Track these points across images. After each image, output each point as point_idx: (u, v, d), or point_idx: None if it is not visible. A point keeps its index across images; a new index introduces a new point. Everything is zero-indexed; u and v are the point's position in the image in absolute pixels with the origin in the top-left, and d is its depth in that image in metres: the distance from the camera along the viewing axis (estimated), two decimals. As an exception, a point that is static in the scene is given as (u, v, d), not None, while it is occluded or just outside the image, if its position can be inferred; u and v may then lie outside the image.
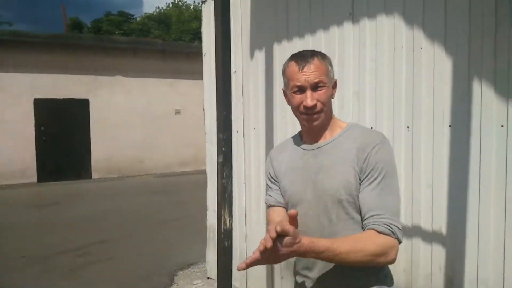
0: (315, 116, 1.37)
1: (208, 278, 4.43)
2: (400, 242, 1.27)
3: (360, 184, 1.32)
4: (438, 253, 2.23)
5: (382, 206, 1.27)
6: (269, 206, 1.56)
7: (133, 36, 19.37)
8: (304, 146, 1.48)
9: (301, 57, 1.37)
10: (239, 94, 3.85)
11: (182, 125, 13.97)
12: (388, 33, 2.53)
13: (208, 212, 4.46)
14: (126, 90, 13.12)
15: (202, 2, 4.41)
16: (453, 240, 2.16)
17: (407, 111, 2.43)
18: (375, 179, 1.30)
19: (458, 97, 2.16)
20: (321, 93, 1.35)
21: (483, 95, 2.03)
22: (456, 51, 2.16)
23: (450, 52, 2.19)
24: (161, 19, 24.49)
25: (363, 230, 1.31)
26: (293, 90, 1.38)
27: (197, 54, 14.59)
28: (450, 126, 2.21)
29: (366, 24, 2.66)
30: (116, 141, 12.88)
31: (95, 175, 12.75)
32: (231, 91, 2.61)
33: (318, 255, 1.17)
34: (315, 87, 1.35)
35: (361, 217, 1.33)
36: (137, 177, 12.92)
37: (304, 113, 1.38)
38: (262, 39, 3.56)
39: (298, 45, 3.18)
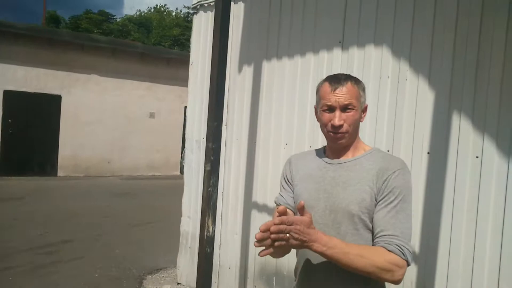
0: (339, 135, 1.44)
1: (178, 283, 4.43)
2: (409, 264, 1.33)
3: (376, 205, 1.39)
4: (410, 269, 2.37)
5: (396, 228, 1.34)
6: (277, 205, 1.60)
7: (112, 37, 19.17)
8: (326, 159, 1.54)
9: (335, 79, 1.46)
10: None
11: (155, 129, 13.88)
12: (375, 62, 2.70)
13: (182, 218, 4.48)
14: (100, 89, 12.94)
15: (194, 13, 4.50)
16: (425, 259, 2.31)
17: (388, 135, 2.59)
18: (392, 201, 1.37)
19: (438, 127, 2.33)
20: (349, 115, 1.43)
21: (461, 127, 2.21)
22: (438, 85, 2.34)
23: (433, 86, 2.37)
24: (142, 22, 24.37)
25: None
26: (323, 108, 1.46)
27: (177, 61, 14.55)
28: (428, 153, 2.37)
29: (355, 52, 2.82)
30: (86, 139, 12.65)
31: (60, 172, 12.44)
32: (223, 103, 2.70)
33: (328, 249, 1.24)
34: (344, 108, 1.42)
35: (372, 235, 1.40)
36: (104, 177, 12.69)
37: (331, 132, 1.45)
38: (251, 56, 3.68)
39: (288, 65, 3.32)
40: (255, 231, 3.56)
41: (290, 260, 3.13)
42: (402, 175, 1.40)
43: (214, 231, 2.62)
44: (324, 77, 2.94)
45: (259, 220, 3.53)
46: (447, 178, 2.24)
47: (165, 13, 26.53)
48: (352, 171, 1.46)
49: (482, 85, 2.13)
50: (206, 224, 2.59)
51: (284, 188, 1.62)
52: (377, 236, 1.37)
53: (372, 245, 1.39)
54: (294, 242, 1.21)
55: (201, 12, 4.37)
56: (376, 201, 1.39)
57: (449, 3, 2.31)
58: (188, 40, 21.80)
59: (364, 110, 1.51)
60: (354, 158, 1.49)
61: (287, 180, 1.61)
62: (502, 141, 2.05)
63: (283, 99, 3.37)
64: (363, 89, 1.49)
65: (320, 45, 3.06)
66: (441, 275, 2.23)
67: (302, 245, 1.23)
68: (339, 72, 2.96)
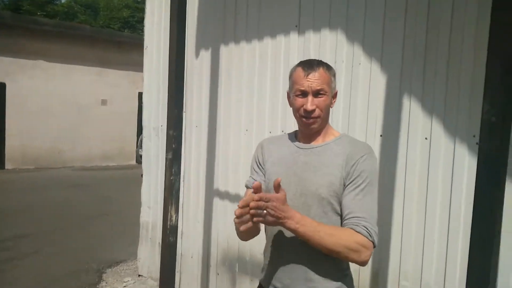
0: (311, 120, 1.48)
1: (139, 275, 4.40)
2: (375, 246, 1.39)
3: (344, 188, 1.44)
4: (366, 248, 2.50)
5: (363, 210, 1.40)
6: (248, 188, 1.62)
7: (58, 19, 18.21)
8: (297, 144, 1.58)
9: (308, 65, 1.48)
10: (182, 91, 3.89)
11: (108, 117, 13.45)
12: (330, 47, 2.76)
13: (142, 209, 4.43)
14: (48, 76, 12.33)
15: (146, -5, 4.37)
16: (380, 238, 2.42)
17: (344, 119, 2.68)
18: (359, 185, 1.42)
19: (390, 110, 2.44)
20: (321, 100, 1.46)
21: (412, 110, 2.32)
22: (390, 69, 2.43)
23: (385, 69, 2.46)
24: (88, 4, 23.27)
25: None
26: (296, 93, 1.49)
27: (129, 44, 13.99)
28: (381, 135, 2.48)
29: (311, 36, 2.87)
30: (35, 129, 12.07)
31: (8, 165, 11.84)
32: (183, 89, 2.67)
33: (300, 226, 1.29)
34: (316, 93, 1.46)
35: (340, 217, 1.45)
36: (55, 169, 12.22)
37: (303, 116, 1.48)
38: (209, 40, 3.64)
39: (246, 49, 3.32)
40: (217, 218, 3.61)
41: (252, 245, 3.19)
42: (369, 159, 1.47)
43: (177, 220, 2.62)
44: (282, 61, 3.02)
45: (221, 208, 3.56)
46: (398, 159, 2.36)
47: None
48: (322, 156, 1.51)
49: (430, 68, 2.25)
50: (169, 213, 2.58)
51: (255, 172, 1.64)
52: (345, 218, 1.42)
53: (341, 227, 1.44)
54: (270, 218, 1.26)
55: (153, -6, 4.25)
56: (344, 185, 1.44)
57: (399, -10, 2.39)
58: (138, 22, 21.11)
59: (334, 96, 1.55)
60: (325, 143, 1.54)
61: (259, 163, 1.64)
62: (448, 123, 2.18)
63: (242, 84, 3.37)
64: (334, 75, 1.53)
65: (277, 29, 3.08)
66: (395, 252, 2.36)
67: (277, 221, 1.27)
68: (295, 56, 3.03)
